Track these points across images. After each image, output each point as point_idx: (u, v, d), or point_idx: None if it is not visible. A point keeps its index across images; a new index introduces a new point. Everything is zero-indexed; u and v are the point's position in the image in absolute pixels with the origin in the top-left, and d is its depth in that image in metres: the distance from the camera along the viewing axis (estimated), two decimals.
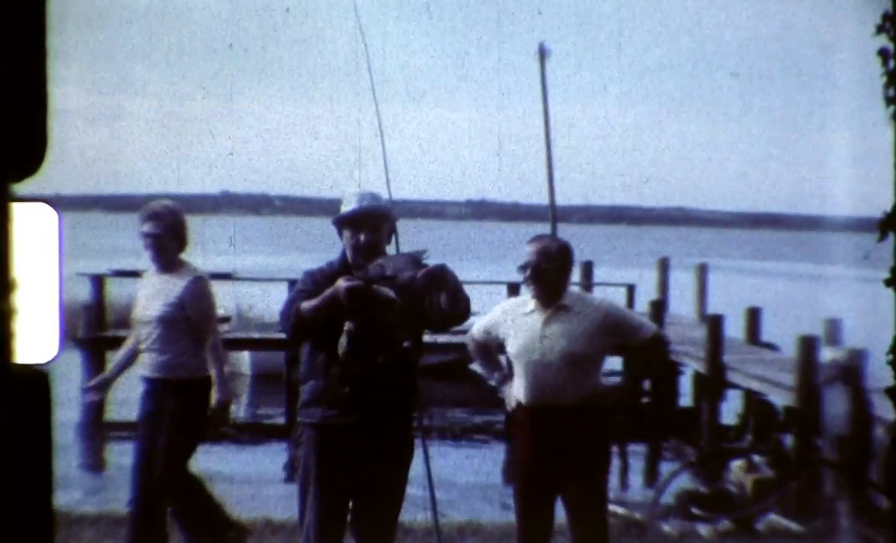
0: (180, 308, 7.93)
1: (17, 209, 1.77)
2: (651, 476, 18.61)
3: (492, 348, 7.12)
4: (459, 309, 6.03)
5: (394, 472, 6.25)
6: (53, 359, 1.90)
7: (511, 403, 6.91)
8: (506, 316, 6.96)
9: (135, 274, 28.11)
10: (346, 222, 6.20)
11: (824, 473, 13.39)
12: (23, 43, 1.75)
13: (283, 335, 6.20)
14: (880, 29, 4.27)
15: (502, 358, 7.18)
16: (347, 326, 5.83)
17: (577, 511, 6.78)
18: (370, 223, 6.17)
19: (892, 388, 4.34)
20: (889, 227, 4.22)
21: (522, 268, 6.78)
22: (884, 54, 4.28)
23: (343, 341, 5.84)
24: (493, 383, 7.23)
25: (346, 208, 6.23)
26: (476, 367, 27.00)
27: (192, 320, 7.96)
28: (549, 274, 6.73)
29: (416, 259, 5.99)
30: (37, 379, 1.82)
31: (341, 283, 5.79)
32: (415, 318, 6.02)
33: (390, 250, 6.34)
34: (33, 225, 1.90)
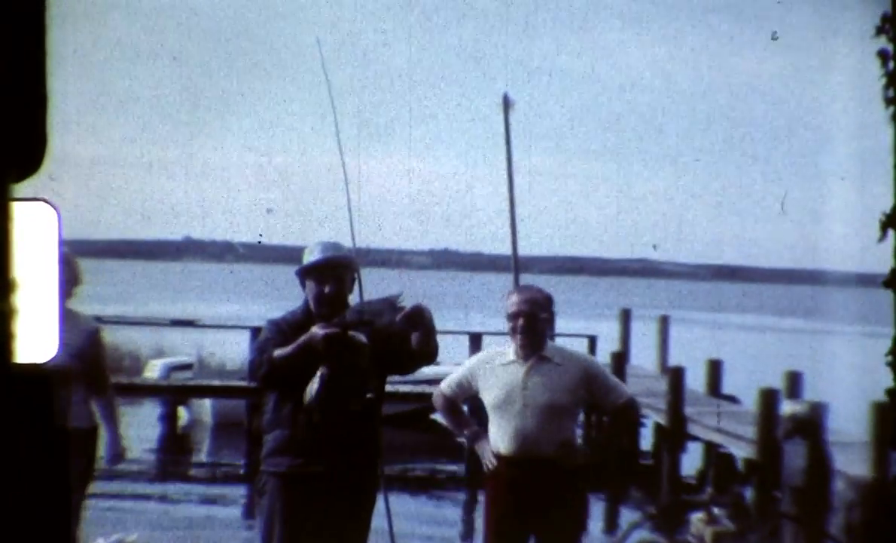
0: (73, 357, 7.61)
1: (16, 208, 1.78)
2: (611, 526, 18.58)
3: (459, 404, 7.13)
4: (431, 347, 6.08)
5: (358, 522, 6.25)
6: (53, 358, 1.90)
7: (487, 458, 6.91)
8: (481, 367, 7.00)
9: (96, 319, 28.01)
10: (310, 273, 6.20)
11: (784, 525, 13.39)
12: (23, 43, 1.75)
13: (244, 383, 6.20)
14: (879, 30, 4.29)
15: (467, 413, 7.21)
16: (321, 371, 5.82)
17: None
18: (334, 273, 6.19)
19: (891, 389, 4.35)
20: (889, 226, 4.22)
21: (510, 317, 6.83)
22: (883, 56, 4.30)
23: (315, 386, 5.84)
24: (462, 440, 7.23)
25: (309, 258, 6.23)
26: (439, 417, 27.07)
27: (86, 370, 7.75)
28: (539, 324, 6.81)
29: (392, 303, 6.02)
30: (37, 378, 1.80)
31: (317, 330, 5.80)
32: (387, 362, 6.05)
33: (352, 299, 6.33)
34: (33, 224, 1.90)
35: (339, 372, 5.85)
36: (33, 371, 1.83)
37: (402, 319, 5.94)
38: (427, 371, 25.61)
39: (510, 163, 34.71)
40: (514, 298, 6.92)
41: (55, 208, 1.91)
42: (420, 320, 6.01)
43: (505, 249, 35.62)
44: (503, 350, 6.98)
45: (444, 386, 7.18)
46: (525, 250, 35.12)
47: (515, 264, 34.11)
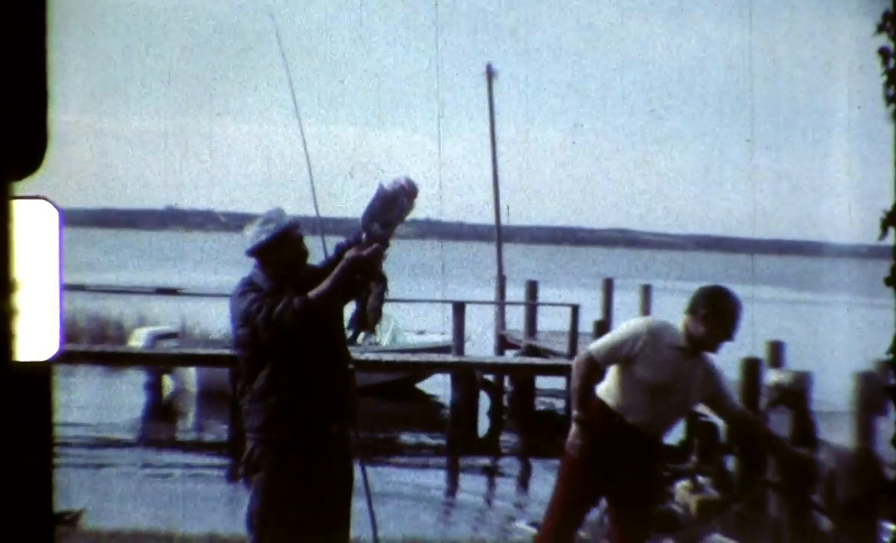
0: None
1: (17, 206, 1.77)
2: None
3: (599, 377, 7.14)
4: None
5: (351, 480, 6.24)
6: (54, 356, 1.89)
7: (576, 446, 6.97)
8: (648, 339, 6.98)
9: (81, 288, 27.94)
10: (283, 239, 6.07)
11: (768, 494, 13.42)
12: (23, 43, 1.74)
13: (228, 352, 6.13)
14: (881, 28, 4.28)
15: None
16: (376, 288, 5.90)
17: (624, 521, 7.17)
18: (299, 235, 6.16)
19: (892, 387, 4.36)
20: (889, 224, 4.22)
21: (731, 317, 7.02)
22: (884, 53, 4.29)
23: (374, 302, 5.89)
24: (574, 415, 7.16)
25: (268, 230, 6.07)
26: (424, 386, 27.09)
27: None
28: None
29: (386, 194, 6.01)
30: (38, 376, 1.79)
31: (355, 253, 5.77)
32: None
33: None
34: (34, 222, 1.89)
35: (384, 286, 5.94)
36: (33, 370, 1.82)
37: (404, 197, 6.03)
38: (412, 340, 25.55)
39: (493, 133, 34.76)
40: (731, 302, 7.08)
41: (56, 207, 1.90)
42: (416, 188, 6.10)
43: (487, 219, 35.65)
44: (668, 327, 7.05)
45: (595, 352, 7.07)
46: (505, 220, 35.06)
47: (498, 235, 34.12)
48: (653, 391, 6.90)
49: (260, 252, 6.09)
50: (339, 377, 6.07)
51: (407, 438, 23.12)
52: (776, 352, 18.60)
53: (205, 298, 31.93)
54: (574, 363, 7.19)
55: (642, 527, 7.37)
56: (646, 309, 29.10)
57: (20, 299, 1.76)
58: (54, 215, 1.92)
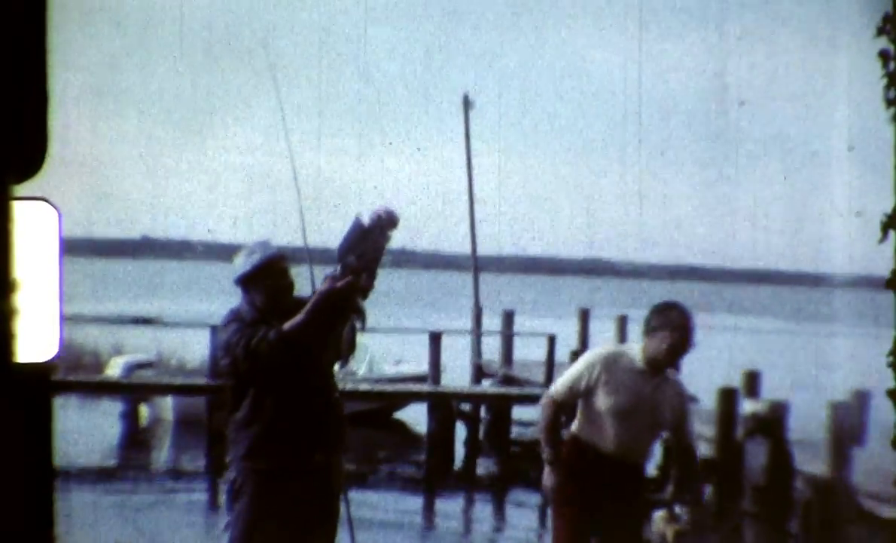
0: None
1: (17, 208, 1.77)
2: None
3: (563, 415, 7.17)
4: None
5: (335, 514, 6.24)
6: (55, 357, 1.88)
7: (551, 485, 7.06)
8: (604, 366, 6.99)
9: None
10: (266, 270, 6.09)
11: (745, 524, 13.42)
12: (23, 44, 1.74)
13: (205, 381, 6.11)
14: (881, 31, 4.30)
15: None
16: (353, 321, 5.85)
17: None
18: (285, 265, 6.18)
19: (892, 390, 4.38)
20: (889, 227, 4.24)
21: (673, 328, 6.91)
22: (884, 56, 4.31)
23: (348, 336, 5.86)
24: (544, 455, 7.17)
25: (252, 260, 6.11)
26: (401, 415, 27.05)
27: None
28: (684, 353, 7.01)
29: (360, 228, 5.97)
30: (37, 377, 1.78)
31: (328, 285, 5.75)
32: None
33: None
34: (33, 223, 1.90)
35: (360, 318, 5.89)
36: (33, 371, 1.81)
37: (380, 229, 5.98)
38: (388, 370, 25.49)
39: (469, 162, 34.73)
40: (680, 314, 6.99)
41: (55, 208, 1.90)
42: (395, 218, 6.05)
43: (461, 248, 35.66)
44: (624, 352, 7.06)
45: (555, 392, 7.14)
46: (481, 249, 35.07)
47: (475, 264, 34.12)
48: (618, 416, 6.90)
49: (244, 282, 6.12)
50: (323, 407, 6.06)
51: (384, 466, 23.07)
52: (752, 382, 18.64)
53: (182, 327, 31.87)
54: (539, 406, 7.23)
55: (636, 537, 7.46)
56: (622, 339, 29.13)
57: (20, 300, 1.75)
58: (54, 216, 1.93)
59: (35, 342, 1.88)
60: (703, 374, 28.10)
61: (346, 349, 6.01)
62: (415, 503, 20.46)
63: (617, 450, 6.95)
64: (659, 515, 15.20)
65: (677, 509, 15.23)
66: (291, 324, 5.79)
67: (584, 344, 29.35)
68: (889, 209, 4.29)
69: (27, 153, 1.76)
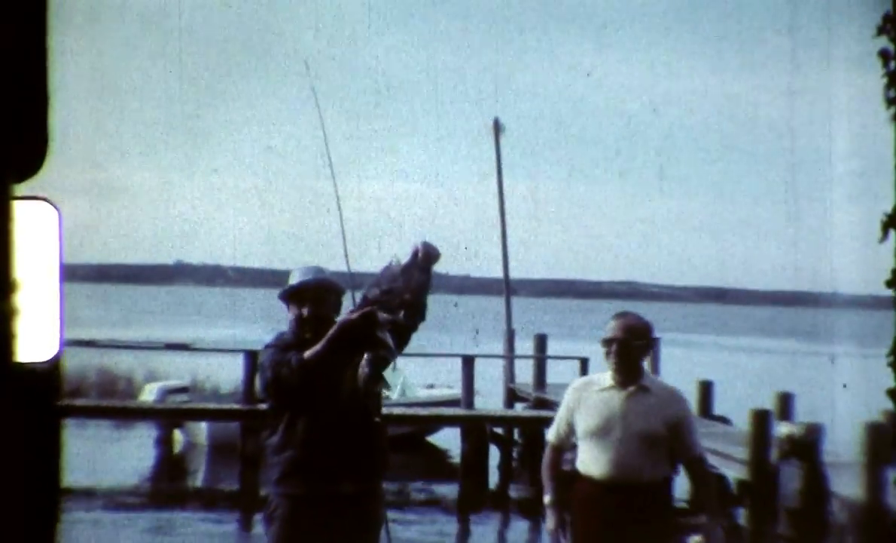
0: None
1: (17, 207, 1.77)
2: None
3: (562, 455, 7.12)
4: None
5: (372, 538, 6.23)
6: (55, 357, 1.87)
7: (553, 522, 6.98)
8: (578, 395, 6.99)
9: (91, 343, 27.97)
10: (291, 297, 6.20)
11: None
12: (24, 44, 1.74)
13: (239, 406, 6.13)
14: (881, 30, 4.29)
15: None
16: (368, 355, 5.81)
17: None
18: (313, 296, 6.21)
19: (892, 389, 4.34)
20: (890, 227, 4.21)
21: (606, 342, 6.86)
22: (884, 55, 4.30)
23: (366, 370, 5.82)
24: (545, 497, 7.18)
25: (289, 283, 6.23)
26: (434, 439, 27.03)
27: None
28: (634, 352, 6.85)
29: (393, 268, 6.03)
30: (39, 376, 1.78)
31: (345, 317, 5.79)
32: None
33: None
34: (34, 223, 1.89)
35: (381, 350, 5.85)
36: (34, 371, 1.81)
37: (417, 266, 6.01)
38: (421, 394, 25.51)
39: (501, 186, 34.71)
40: (611, 324, 6.96)
41: (56, 208, 1.90)
42: (434, 252, 6.20)
43: (492, 272, 35.57)
44: (599, 376, 7.02)
45: (550, 437, 7.19)
46: (513, 273, 35.04)
47: (507, 287, 34.07)
48: (595, 438, 6.83)
49: (286, 300, 6.22)
50: (357, 433, 6.04)
51: (417, 491, 23.03)
52: (785, 403, 18.54)
53: (215, 353, 31.92)
54: None
55: None
56: (654, 362, 29.00)
57: (20, 300, 1.74)
58: (54, 216, 1.92)
59: (35, 342, 1.87)
60: (735, 396, 27.97)
61: (366, 382, 5.96)
62: (449, 526, 20.42)
63: (609, 474, 6.81)
64: (693, 539, 15.16)
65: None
66: (312, 352, 5.85)
67: None
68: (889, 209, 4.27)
69: (27, 153, 1.77)
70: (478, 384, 25.74)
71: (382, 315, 5.80)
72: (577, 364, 26.57)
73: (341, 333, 5.78)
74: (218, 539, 18.22)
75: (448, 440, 26.60)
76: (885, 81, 4.37)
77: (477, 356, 26.48)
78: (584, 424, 6.88)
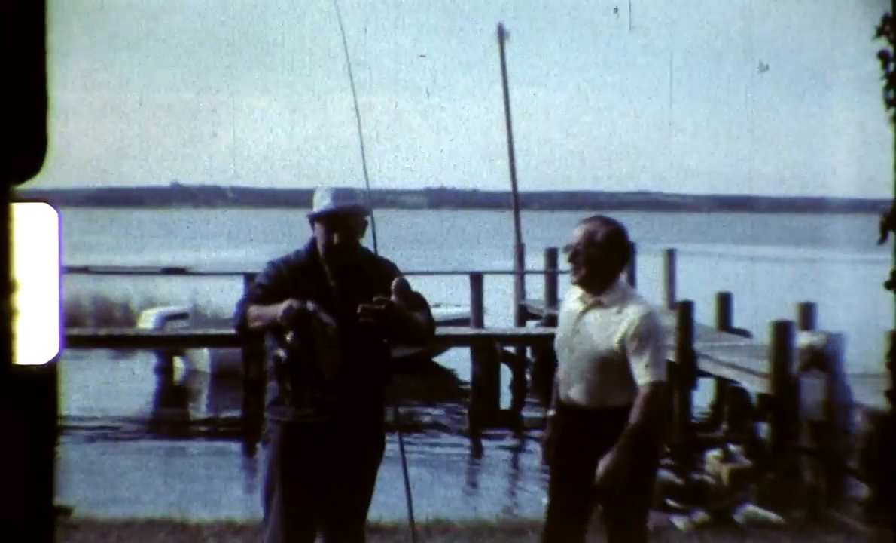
0: None
1: (17, 209, 1.81)
2: None
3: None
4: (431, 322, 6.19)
5: (363, 473, 6.24)
6: (54, 359, 1.91)
7: (543, 436, 6.72)
8: (561, 308, 6.71)
9: (85, 270, 27.99)
10: (321, 220, 6.15)
11: (802, 461, 13.41)
12: (23, 44, 1.77)
13: None
14: (880, 31, 4.29)
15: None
16: (290, 338, 5.85)
17: (609, 513, 6.39)
18: (345, 223, 6.15)
19: (890, 391, 4.35)
20: (889, 227, 4.23)
21: (565, 250, 6.42)
22: (884, 57, 4.31)
23: (282, 353, 5.90)
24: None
25: (320, 204, 6.17)
26: (440, 360, 27.12)
27: None
28: (592, 260, 6.31)
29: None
30: (37, 379, 1.83)
31: (288, 304, 5.83)
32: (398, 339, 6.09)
33: (366, 243, 6.34)
34: (34, 225, 1.93)
35: (304, 346, 5.86)
36: (33, 371, 1.84)
37: (399, 300, 5.99)
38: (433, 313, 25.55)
39: (507, 96, 34.60)
40: (574, 231, 6.44)
41: (56, 210, 1.94)
42: (412, 293, 6.13)
43: (502, 185, 35.53)
44: (575, 289, 6.52)
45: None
46: (523, 185, 34.99)
47: (515, 201, 34.03)
48: (560, 355, 6.50)
49: (314, 221, 6.24)
50: (347, 358, 6.00)
51: (426, 413, 23.12)
52: (807, 314, 18.52)
53: (215, 276, 31.96)
54: None
55: (624, 517, 6.37)
56: (670, 274, 29.00)
57: (20, 301, 1.79)
58: (54, 218, 1.95)
59: (35, 344, 1.91)
60: (755, 308, 27.97)
61: (327, 370, 5.99)
62: (461, 447, 20.53)
63: (565, 395, 6.42)
64: (712, 454, 15.25)
65: (731, 447, 15.27)
66: (254, 314, 6.00)
67: (631, 280, 29.21)
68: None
69: (27, 154, 1.80)
70: (486, 301, 25.74)
71: (311, 305, 5.81)
72: None
73: (273, 318, 5.88)
74: (222, 465, 18.34)
75: (455, 360, 26.64)
76: (884, 82, 4.38)
77: (486, 272, 26.47)
78: (556, 335, 6.59)
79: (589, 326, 6.33)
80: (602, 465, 6.04)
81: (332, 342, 5.85)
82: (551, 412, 6.68)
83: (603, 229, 6.37)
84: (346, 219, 6.15)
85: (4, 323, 1.76)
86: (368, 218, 6.36)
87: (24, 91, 1.77)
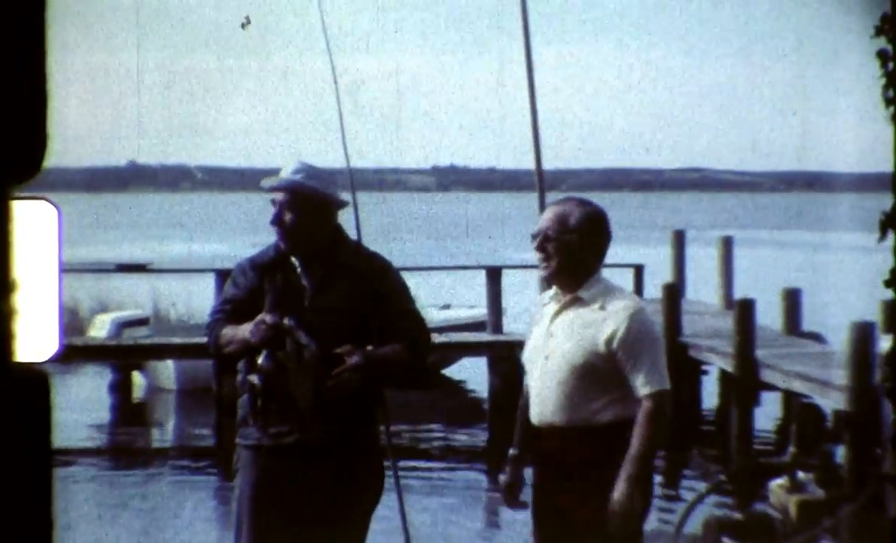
0: None
1: (17, 207, 1.96)
2: (670, 499, 18.61)
3: None
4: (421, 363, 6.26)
5: (351, 506, 6.22)
6: (53, 357, 2.05)
7: (504, 482, 6.61)
8: (531, 317, 6.59)
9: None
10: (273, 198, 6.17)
11: (887, 491, 13.43)
12: (23, 42, 1.92)
13: None
14: (879, 31, 4.47)
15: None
16: (262, 361, 5.91)
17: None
18: (292, 203, 6.14)
19: (891, 389, 4.47)
20: (889, 226, 4.40)
21: (533, 237, 6.15)
22: (883, 56, 4.48)
23: (255, 383, 5.97)
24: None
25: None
26: (449, 372, 27.11)
27: None
28: (565, 249, 6.05)
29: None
30: (37, 378, 1.98)
31: (256, 321, 5.91)
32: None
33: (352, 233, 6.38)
34: (33, 223, 2.16)
35: (278, 369, 5.92)
36: (33, 371, 1.97)
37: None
38: (435, 317, 25.44)
39: (529, 57, 34.57)
40: (543, 214, 6.25)
41: (56, 207, 2.10)
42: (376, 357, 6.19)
43: (522, 163, 35.47)
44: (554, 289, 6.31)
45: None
46: (549, 163, 34.95)
47: (540, 181, 34.03)
48: (528, 367, 6.36)
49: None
50: (326, 376, 6.01)
51: (436, 436, 23.12)
52: (893, 313, 18.48)
53: (181, 274, 31.98)
54: None
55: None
56: (727, 267, 28.95)
57: (20, 301, 1.93)
58: (54, 215, 2.18)
59: (35, 342, 2.11)
60: (831, 306, 27.94)
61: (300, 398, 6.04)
62: (477, 477, 20.55)
63: (536, 415, 6.25)
64: (777, 483, 15.28)
65: (800, 475, 15.29)
66: (226, 336, 6.17)
67: (679, 275, 29.17)
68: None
69: (27, 153, 1.94)
70: (506, 301, 25.69)
71: (288, 321, 5.87)
72: (630, 274, 26.57)
73: (245, 339, 6.01)
74: (192, 501, 18.39)
75: (469, 372, 26.63)
76: (883, 81, 4.53)
77: (505, 267, 26.43)
78: (525, 349, 6.41)
79: (566, 327, 6.12)
80: (613, 507, 5.88)
81: (306, 369, 5.88)
82: (513, 451, 6.60)
83: (578, 211, 6.15)
84: (292, 197, 6.14)
85: (4, 322, 1.90)
86: (332, 206, 6.30)
87: (23, 90, 1.91)
